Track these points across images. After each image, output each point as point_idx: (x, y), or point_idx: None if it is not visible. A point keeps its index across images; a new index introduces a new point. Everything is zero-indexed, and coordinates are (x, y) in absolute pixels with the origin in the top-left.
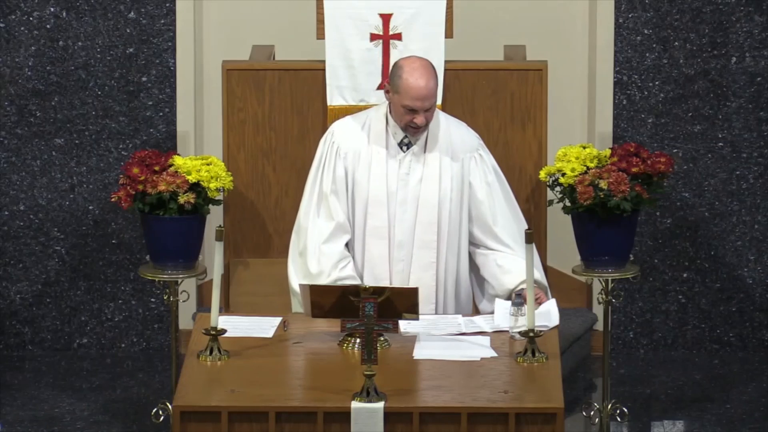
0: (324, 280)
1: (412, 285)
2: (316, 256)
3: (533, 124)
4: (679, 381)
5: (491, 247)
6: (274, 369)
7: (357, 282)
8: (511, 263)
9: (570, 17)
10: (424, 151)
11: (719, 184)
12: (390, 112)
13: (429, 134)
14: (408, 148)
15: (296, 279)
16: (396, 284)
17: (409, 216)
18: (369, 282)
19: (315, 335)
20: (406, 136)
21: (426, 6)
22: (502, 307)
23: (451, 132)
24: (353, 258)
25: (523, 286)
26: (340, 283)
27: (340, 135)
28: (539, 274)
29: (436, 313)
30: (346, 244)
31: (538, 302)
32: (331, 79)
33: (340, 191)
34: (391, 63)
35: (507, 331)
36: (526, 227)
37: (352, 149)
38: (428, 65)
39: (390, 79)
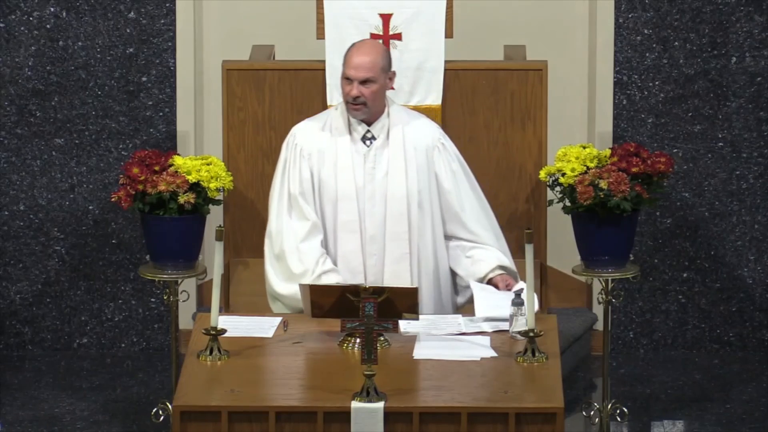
0: (309, 278)
1: (386, 277)
2: (296, 256)
3: (533, 124)
4: (679, 381)
5: (460, 236)
6: (274, 369)
7: (338, 274)
8: (480, 253)
9: (570, 17)
10: (388, 145)
11: (719, 184)
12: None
13: (391, 127)
14: (371, 143)
15: (278, 282)
16: (370, 277)
17: (379, 210)
18: (344, 276)
19: (315, 335)
20: (368, 131)
21: (426, 6)
22: (479, 290)
23: (412, 124)
24: (327, 255)
25: (492, 274)
26: (324, 277)
27: (302, 137)
28: (507, 261)
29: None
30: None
31: (508, 287)
32: (331, 79)
33: (307, 192)
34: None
35: (507, 331)
36: (491, 214)
37: (316, 149)
38: (375, 44)
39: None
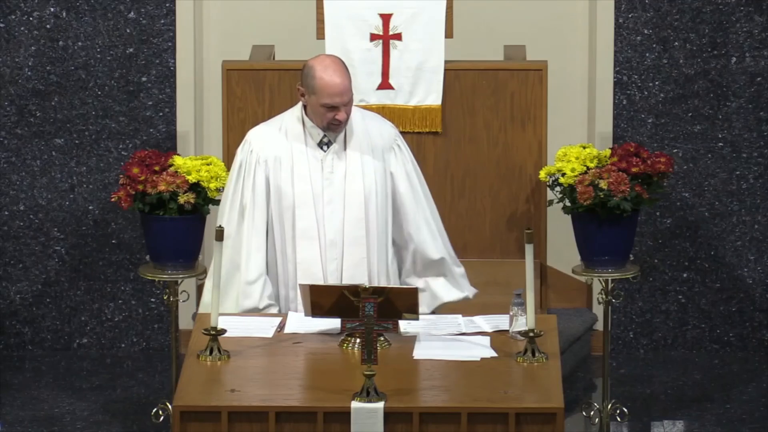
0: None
1: (345, 283)
2: (243, 291)
3: (533, 124)
4: (679, 381)
5: (406, 241)
6: (274, 369)
7: (276, 308)
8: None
9: (570, 17)
10: (345, 149)
11: (719, 184)
12: (305, 113)
13: (347, 130)
14: (328, 147)
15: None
16: (330, 281)
17: (338, 214)
18: (305, 282)
19: (315, 335)
20: (325, 136)
21: (426, 6)
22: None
23: (368, 126)
24: (285, 263)
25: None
26: (268, 310)
27: (257, 143)
28: (432, 296)
29: None
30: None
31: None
32: None
33: (259, 202)
34: (392, 63)
35: (507, 331)
36: (439, 218)
37: (272, 155)
38: (339, 61)
39: (303, 80)
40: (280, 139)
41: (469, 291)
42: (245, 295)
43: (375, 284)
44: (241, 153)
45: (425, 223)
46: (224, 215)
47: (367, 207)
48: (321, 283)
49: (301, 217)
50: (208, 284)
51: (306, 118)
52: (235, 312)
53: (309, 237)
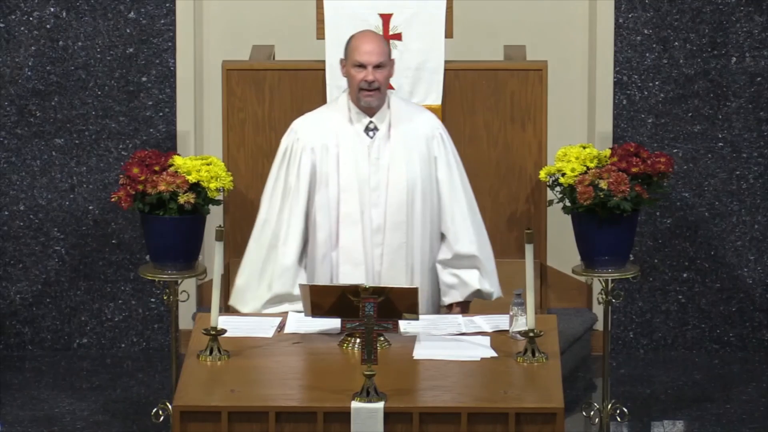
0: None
1: (385, 267)
2: (277, 277)
3: (533, 124)
4: (679, 381)
5: (441, 231)
6: (274, 369)
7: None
8: (449, 279)
9: (570, 17)
10: (390, 135)
11: (719, 184)
12: (350, 95)
13: (392, 118)
14: (374, 134)
15: (254, 267)
16: (376, 267)
17: (383, 200)
18: (346, 268)
19: (315, 335)
20: (371, 122)
21: (426, 6)
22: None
23: (412, 114)
24: (328, 248)
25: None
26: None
27: (304, 131)
28: (473, 286)
29: None
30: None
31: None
32: (331, 79)
33: (302, 188)
34: None
35: (507, 331)
36: (477, 211)
37: (319, 143)
38: (376, 32)
39: (343, 54)
40: (326, 127)
41: (497, 290)
42: (281, 280)
43: (415, 270)
44: (286, 140)
45: (460, 214)
46: (266, 200)
47: (410, 193)
48: (363, 267)
49: (345, 201)
50: (247, 263)
51: (351, 104)
52: (267, 295)
53: (352, 222)
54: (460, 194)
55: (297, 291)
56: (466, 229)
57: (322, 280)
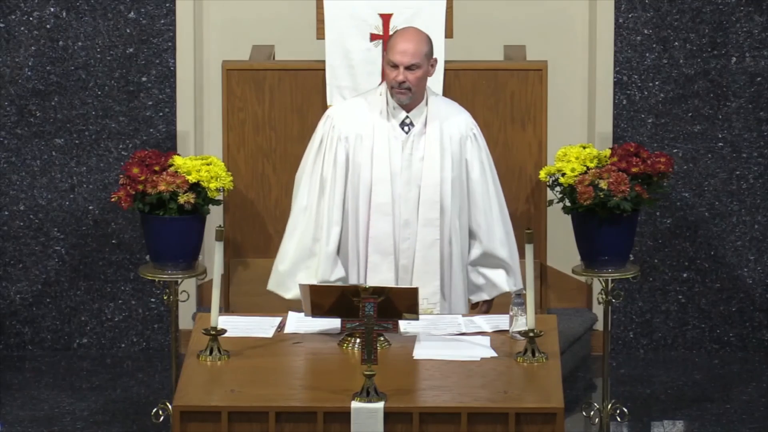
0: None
1: (417, 262)
2: (329, 261)
3: (533, 124)
4: (679, 381)
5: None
6: (274, 369)
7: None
8: (478, 280)
9: (570, 17)
10: (425, 132)
11: (719, 184)
12: (388, 89)
13: (429, 115)
14: (410, 129)
15: (294, 255)
16: (402, 261)
17: (413, 195)
18: (375, 258)
19: (315, 335)
20: (407, 117)
21: (426, 6)
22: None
23: (449, 113)
24: (357, 237)
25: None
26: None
27: (339, 119)
28: (502, 286)
29: (441, 291)
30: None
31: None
32: (331, 79)
33: (339, 177)
34: None
35: (507, 331)
36: (506, 212)
37: (353, 132)
38: (418, 31)
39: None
40: (362, 117)
41: (521, 286)
42: (332, 266)
43: (453, 267)
44: (322, 128)
45: (492, 213)
46: (301, 187)
47: (442, 191)
48: (392, 257)
49: (378, 193)
50: (290, 249)
51: (389, 97)
52: (313, 282)
53: (384, 213)
54: (493, 196)
55: (334, 278)
56: (498, 229)
57: (351, 269)
